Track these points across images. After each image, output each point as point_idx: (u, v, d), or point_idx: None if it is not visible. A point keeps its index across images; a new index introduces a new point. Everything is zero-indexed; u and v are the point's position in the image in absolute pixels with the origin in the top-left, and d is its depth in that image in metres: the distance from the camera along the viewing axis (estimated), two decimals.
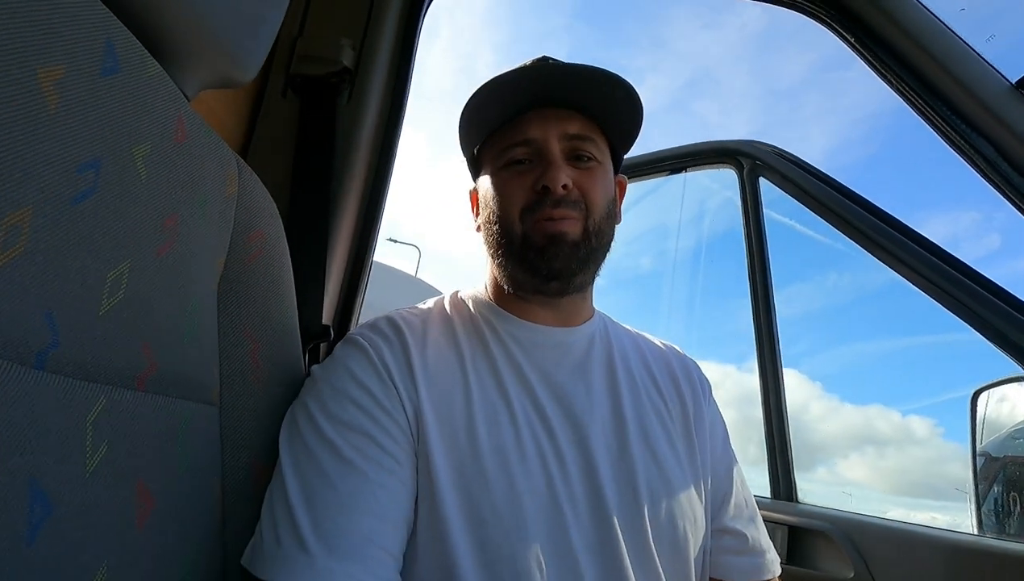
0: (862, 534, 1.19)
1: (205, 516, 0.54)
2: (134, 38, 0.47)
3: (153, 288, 0.49)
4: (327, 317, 0.94)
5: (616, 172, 0.78)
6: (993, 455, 1.57)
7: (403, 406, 0.61)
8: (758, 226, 1.50)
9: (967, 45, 0.89)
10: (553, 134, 0.70)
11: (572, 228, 0.67)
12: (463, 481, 0.59)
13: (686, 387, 0.77)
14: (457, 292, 0.79)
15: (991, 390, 1.47)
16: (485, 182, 0.74)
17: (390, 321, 0.70)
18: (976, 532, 1.41)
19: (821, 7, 0.98)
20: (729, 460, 0.79)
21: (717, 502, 0.75)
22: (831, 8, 0.97)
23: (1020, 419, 1.49)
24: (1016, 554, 1.04)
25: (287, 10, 0.61)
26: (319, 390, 0.63)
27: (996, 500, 1.48)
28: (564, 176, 0.67)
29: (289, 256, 0.70)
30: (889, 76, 0.95)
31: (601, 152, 0.73)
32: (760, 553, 0.75)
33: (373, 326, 0.69)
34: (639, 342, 0.81)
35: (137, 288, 0.47)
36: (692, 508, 0.67)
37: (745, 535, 0.74)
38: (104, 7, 0.44)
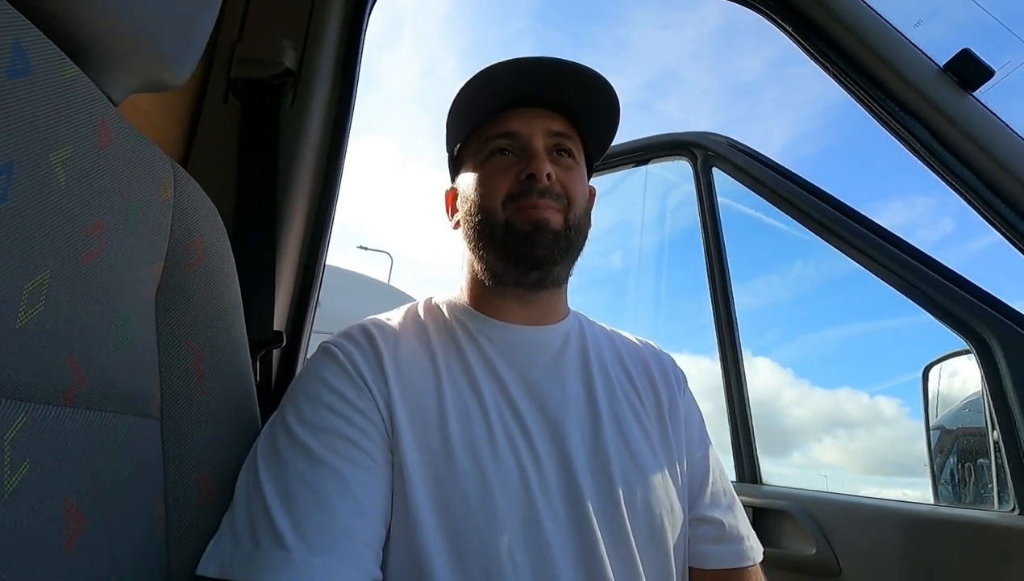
0: (822, 511, 1.22)
1: (143, 533, 0.52)
2: (48, 40, 0.45)
3: (78, 298, 0.47)
4: (280, 323, 0.93)
5: (588, 178, 0.79)
6: (947, 428, 1.62)
7: (376, 406, 0.62)
8: (713, 216, 1.52)
9: (897, 31, 0.92)
10: (537, 129, 0.72)
11: (555, 217, 0.69)
12: (435, 476, 0.60)
13: (661, 382, 0.78)
14: (431, 298, 0.79)
15: (940, 365, 1.52)
16: (467, 176, 0.75)
17: (361, 327, 0.70)
18: (933, 503, 1.46)
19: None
20: (705, 450, 0.80)
21: (694, 491, 0.76)
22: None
23: (971, 391, 1.54)
24: (967, 520, 1.08)
25: (226, 13, 0.60)
26: (294, 400, 0.63)
27: (952, 471, 1.53)
28: (548, 167, 0.69)
29: (234, 262, 0.69)
30: (827, 64, 0.97)
31: (579, 153, 0.76)
32: (738, 540, 0.76)
33: (345, 334, 0.70)
34: (614, 339, 0.82)
35: (59, 299, 0.45)
36: (668, 497, 0.68)
37: (723, 523, 0.75)
38: (12, 8, 0.42)
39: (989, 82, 0.89)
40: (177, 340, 0.60)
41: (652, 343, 0.87)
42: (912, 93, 0.91)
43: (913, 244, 1.21)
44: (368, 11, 1.06)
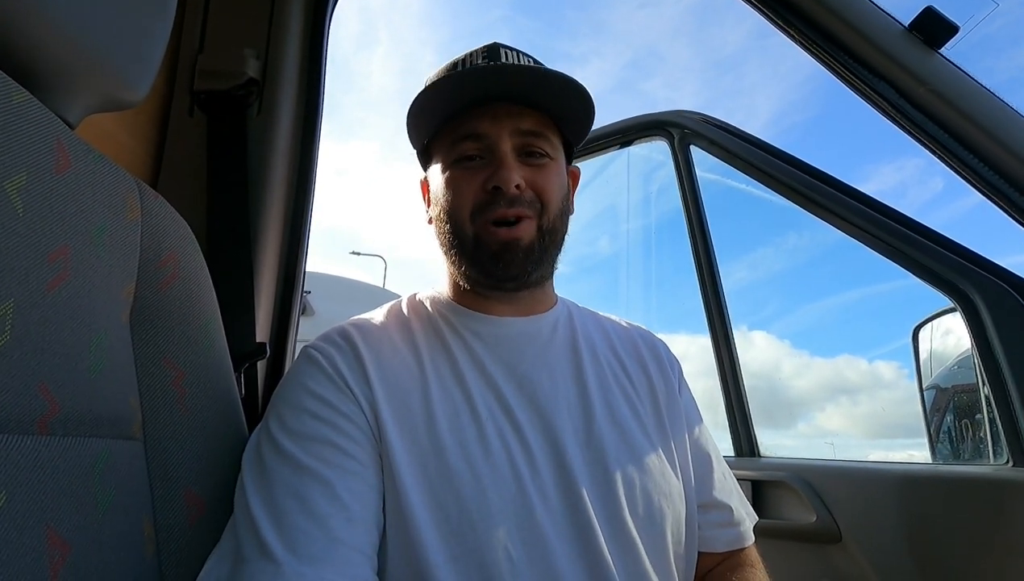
0: (820, 478, 1.23)
1: (134, 556, 0.52)
2: None
3: (47, 325, 0.47)
4: (262, 334, 0.92)
5: (569, 163, 0.77)
6: (942, 386, 1.63)
7: (361, 409, 0.62)
8: (694, 193, 1.52)
9: None
10: (505, 130, 0.68)
11: (525, 232, 0.67)
12: (427, 478, 0.59)
13: (653, 366, 0.77)
14: (415, 294, 0.78)
15: (931, 324, 1.53)
16: (436, 176, 0.72)
17: (342, 330, 0.69)
18: (932, 461, 1.48)
19: None
20: (704, 435, 0.80)
21: (700, 476, 0.75)
22: None
23: (964, 349, 1.55)
24: (963, 476, 1.09)
25: (185, 26, 0.59)
26: (277, 409, 0.63)
27: (949, 429, 1.54)
28: (516, 176, 0.66)
29: (209, 277, 0.68)
30: (794, 33, 0.97)
31: (554, 147, 0.72)
32: (741, 522, 0.77)
33: (325, 337, 0.69)
34: (605, 325, 0.81)
35: (26, 327, 0.44)
36: (666, 482, 0.67)
37: (730, 507, 0.76)
38: None
39: (954, 38, 0.88)
40: (155, 360, 0.59)
41: (643, 327, 0.86)
42: (879, 55, 0.90)
43: (893, 207, 1.22)
44: (330, 14, 1.05)
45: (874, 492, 1.16)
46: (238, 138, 0.91)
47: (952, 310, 1.22)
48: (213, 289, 0.68)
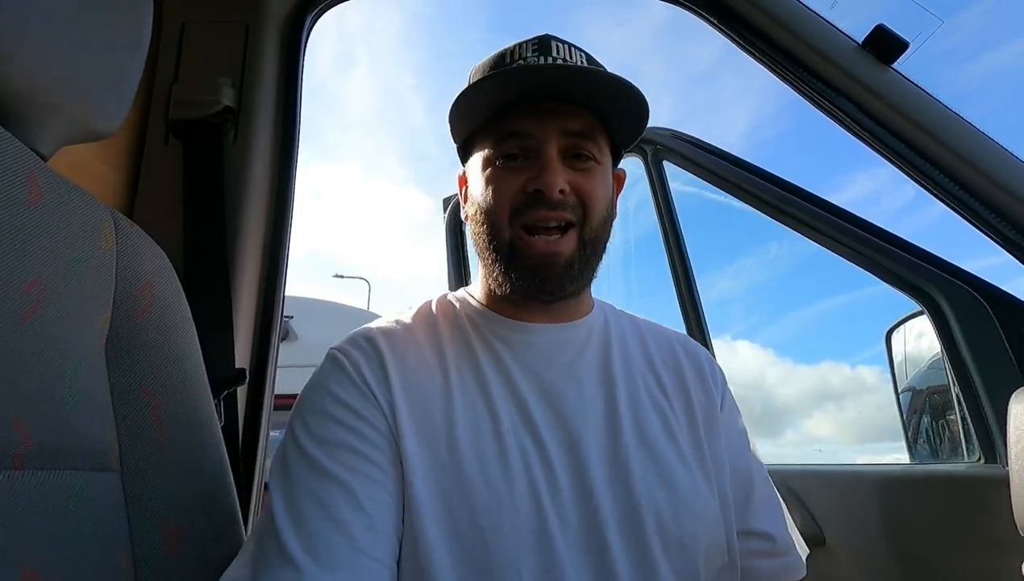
0: (802, 483, 1.25)
1: None
2: None
3: (20, 356, 0.47)
4: (242, 360, 0.92)
5: (615, 167, 0.74)
6: (918, 388, 1.66)
7: (383, 415, 0.60)
8: (668, 207, 1.56)
9: (814, 13, 0.95)
10: (552, 131, 0.64)
11: (566, 247, 0.64)
12: (442, 491, 0.57)
13: (693, 378, 0.72)
14: (445, 295, 0.75)
15: (903, 327, 1.57)
16: (475, 173, 0.69)
17: (367, 332, 0.67)
18: (911, 462, 1.50)
19: None
20: (748, 454, 0.74)
21: (740, 501, 0.69)
22: None
23: (935, 351, 1.59)
24: (939, 475, 1.11)
25: (160, 55, 0.59)
26: (302, 413, 0.61)
27: (927, 430, 1.56)
28: (561, 180, 0.63)
29: (187, 304, 0.68)
30: (754, 52, 1.01)
31: (601, 150, 0.68)
32: (786, 551, 0.70)
33: (351, 339, 0.67)
34: (643, 332, 0.76)
35: None
36: (701, 505, 0.63)
37: (773, 536, 0.70)
38: None
39: (906, 53, 0.93)
40: (132, 389, 0.59)
41: (685, 335, 0.80)
42: (836, 72, 0.94)
43: (861, 217, 1.26)
44: (304, 39, 1.06)
45: (855, 495, 1.18)
46: (214, 165, 0.91)
47: (921, 313, 1.26)
48: (191, 317, 0.68)
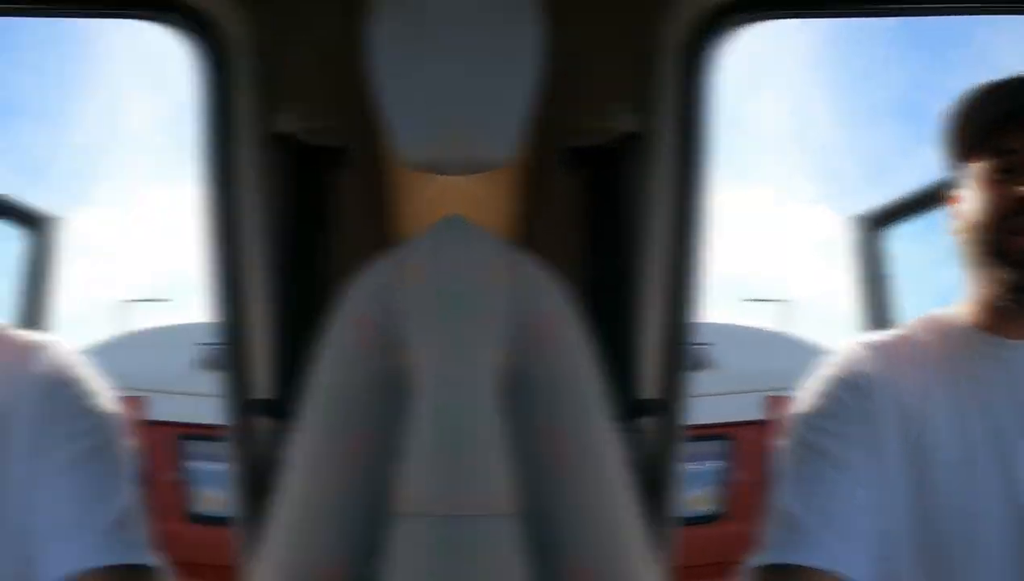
0: None
1: None
2: None
3: None
4: (649, 390, 0.88)
5: None
6: None
7: (868, 415, 0.68)
8: None
9: None
10: None
11: None
12: (916, 489, 0.65)
13: None
14: (931, 313, 0.80)
15: None
16: (963, 191, 0.74)
17: (861, 343, 0.76)
18: None
19: None
20: None
21: None
22: None
23: None
24: None
25: (551, 82, 0.60)
26: (806, 403, 0.72)
27: None
28: None
29: (586, 336, 0.66)
30: None
31: None
32: None
33: (854, 345, 0.76)
34: None
35: None
36: None
37: None
38: None
39: None
40: (528, 428, 0.58)
41: None
42: None
43: None
44: (706, 64, 0.97)
45: None
46: (612, 193, 0.91)
47: None
48: (590, 349, 0.65)
